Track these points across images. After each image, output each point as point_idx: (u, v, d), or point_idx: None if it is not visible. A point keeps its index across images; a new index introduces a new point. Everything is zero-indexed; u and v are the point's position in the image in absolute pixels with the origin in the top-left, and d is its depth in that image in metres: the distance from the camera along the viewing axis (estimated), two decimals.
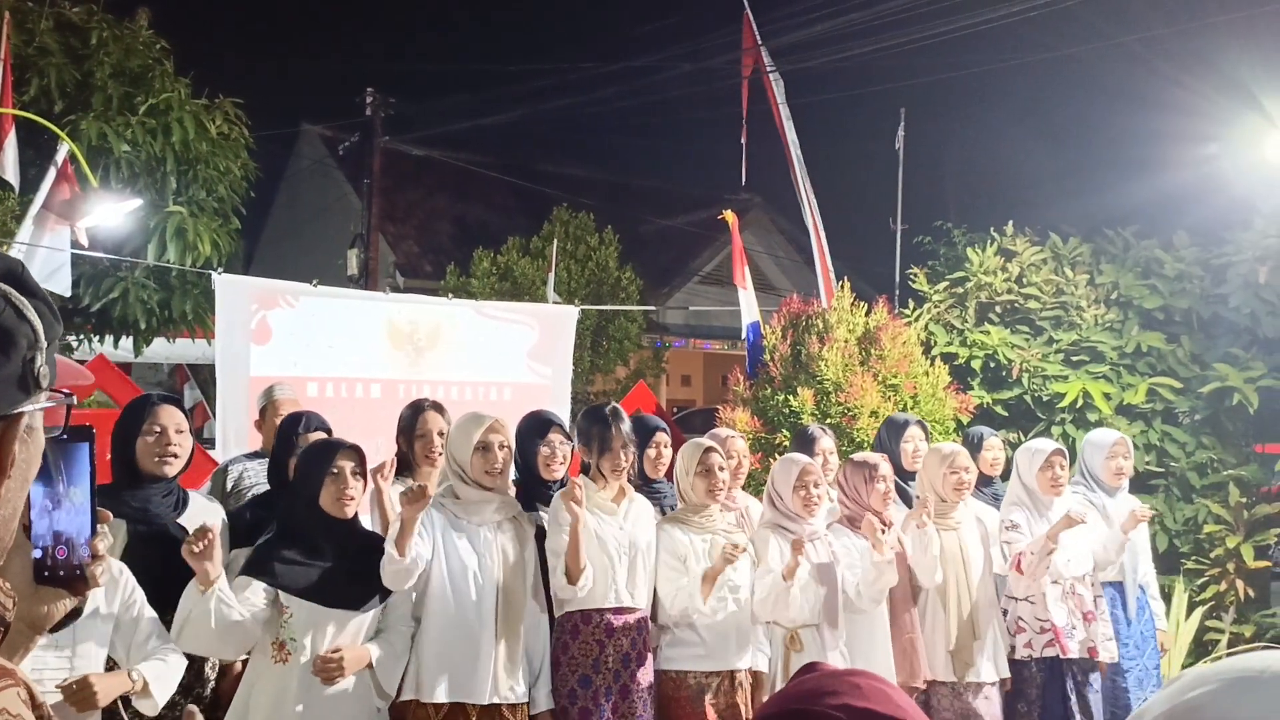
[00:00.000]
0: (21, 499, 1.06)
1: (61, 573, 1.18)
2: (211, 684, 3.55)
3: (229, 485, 4.35)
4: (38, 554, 1.18)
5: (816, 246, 7.32)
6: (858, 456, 4.58)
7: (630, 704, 3.75)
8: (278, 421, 4.25)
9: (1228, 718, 0.78)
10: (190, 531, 3.39)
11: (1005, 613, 4.63)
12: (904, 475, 4.90)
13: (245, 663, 3.57)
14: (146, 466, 3.41)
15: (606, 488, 3.89)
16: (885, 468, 4.40)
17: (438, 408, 4.13)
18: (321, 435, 3.99)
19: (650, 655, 3.88)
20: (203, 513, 3.56)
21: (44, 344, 1.00)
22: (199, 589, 3.08)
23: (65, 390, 1.07)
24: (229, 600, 3.12)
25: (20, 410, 1.00)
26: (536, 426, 4.03)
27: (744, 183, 8.77)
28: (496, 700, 3.55)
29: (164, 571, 3.23)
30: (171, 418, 3.45)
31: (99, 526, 1.20)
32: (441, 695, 3.49)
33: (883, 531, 4.30)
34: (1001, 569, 4.63)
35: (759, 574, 4.02)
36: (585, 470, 3.98)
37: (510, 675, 3.59)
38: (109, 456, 3.50)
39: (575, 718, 3.71)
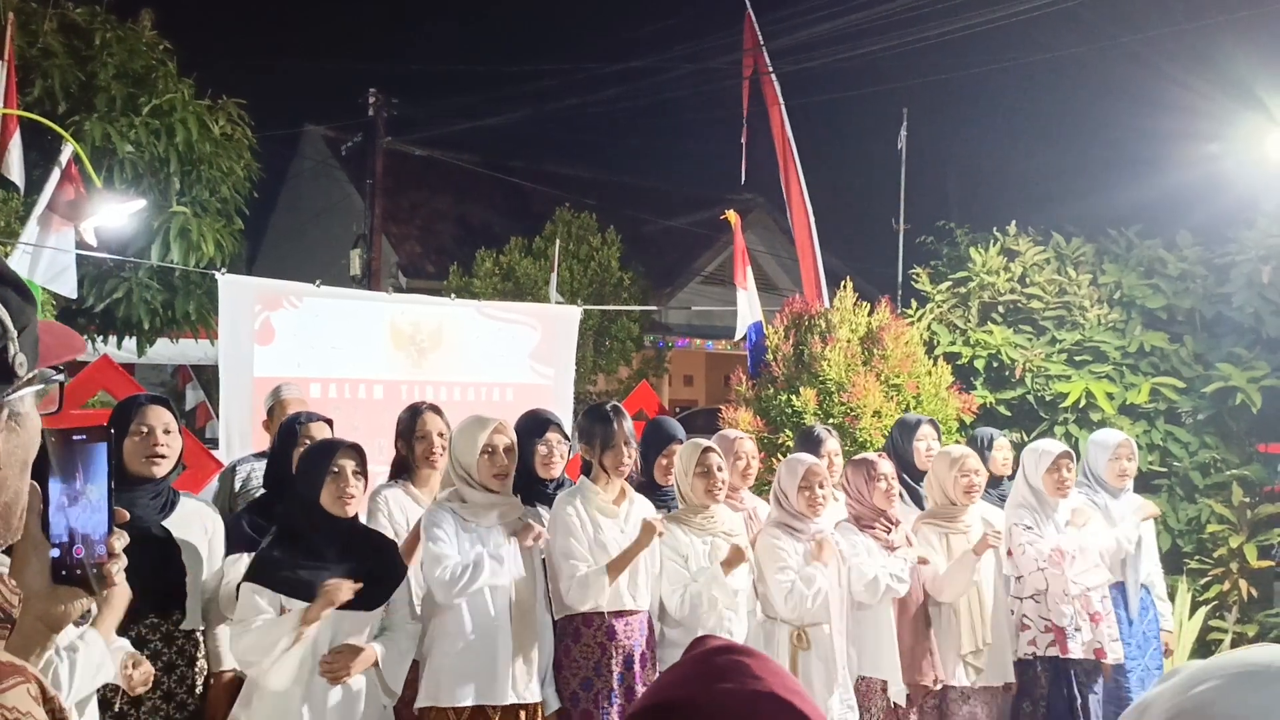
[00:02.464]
0: (20, 484, 1.05)
1: (79, 571, 1.18)
2: (199, 689, 3.54)
3: (237, 486, 4.35)
4: (55, 553, 1.18)
5: (804, 246, 7.34)
6: (858, 456, 4.59)
7: None
8: None
9: (1236, 713, 0.77)
10: (175, 533, 3.39)
11: (1011, 612, 4.64)
12: (916, 476, 4.89)
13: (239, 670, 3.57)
14: (134, 467, 3.40)
15: (608, 487, 3.89)
16: (884, 466, 4.40)
17: (436, 410, 4.13)
18: (323, 425, 4.00)
19: (655, 656, 3.88)
20: (192, 515, 3.54)
21: (14, 332, 0.99)
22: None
23: (56, 367, 1.06)
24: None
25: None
26: (534, 425, 4.03)
27: (744, 183, 8.77)
28: (515, 700, 3.57)
29: (145, 573, 3.24)
30: (159, 418, 3.44)
31: (115, 526, 1.21)
32: (464, 699, 3.50)
33: (889, 530, 4.31)
34: (1010, 570, 4.64)
35: (772, 572, 4.03)
36: (586, 471, 3.98)
37: (527, 675, 3.61)
38: None
39: None
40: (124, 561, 1.21)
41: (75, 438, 1.20)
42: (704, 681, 0.94)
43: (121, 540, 1.21)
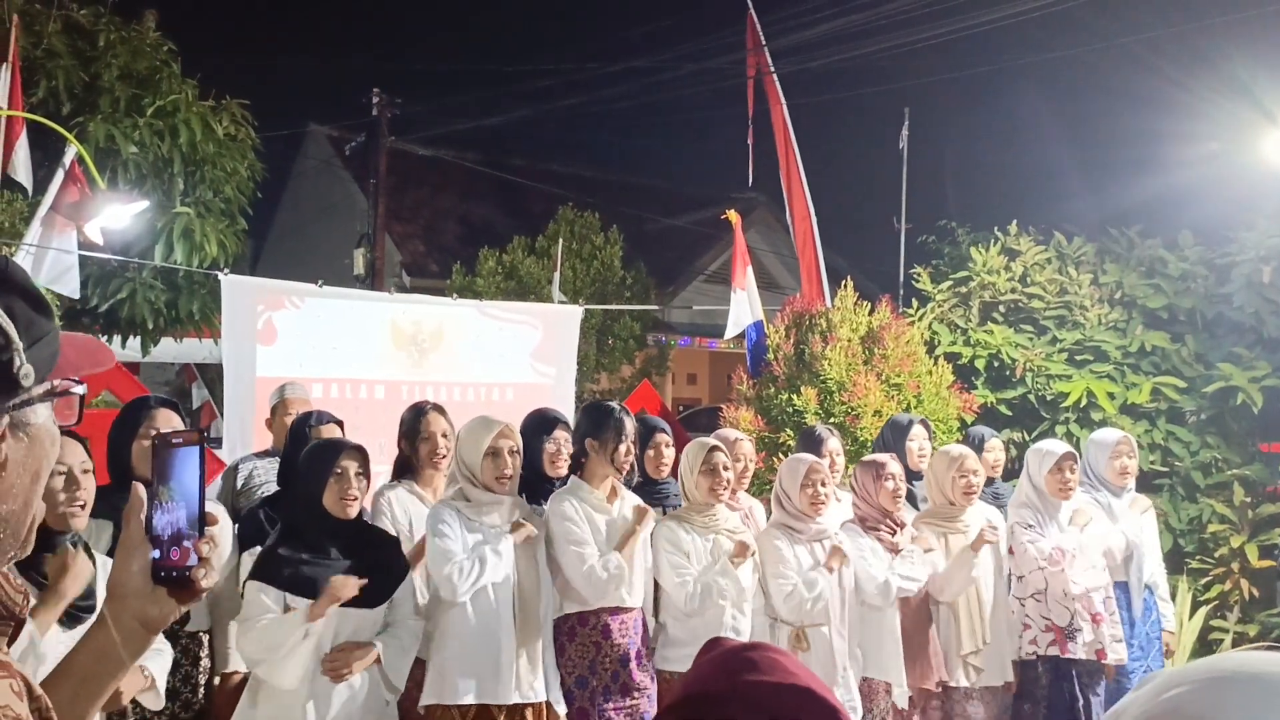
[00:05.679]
0: (29, 495, 1.03)
1: (175, 574, 1.19)
2: (202, 689, 3.55)
3: (239, 484, 4.38)
4: (156, 554, 1.19)
5: (805, 245, 7.36)
6: (867, 457, 4.60)
7: (631, 703, 3.76)
8: (288, 420, 4.27)
9: (1204, 715, 0.79)
10: None
11: (1013, 612, 4.64)
12: (909, 476, 4.90)
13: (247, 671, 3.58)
14: (141, 471, 3.41)
15: (600, 486, 3.90)
16: (894, 466, 4.42)
17: (439, 410, 4.13)
18: (334, 427, 4.01)
19: (650, 653, 3.89)
20: None
21: (19, 344, 0.97)
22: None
23: (77, 379, 1.04)
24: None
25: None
26: (542, 424, 4.05)
27: (750, 183, 8.80)
28: (520, 700, 3.57)
29: None
30: (168, 421, 3.46)
31: (208, 530, 1.21)
32: (468, 698, 3.51)
33: (894, 532, 4.33)
34: (1012, 569, 4.65)
35: (773, 574, 4.05)
36: (574, 470, 3.99)
37: (532, 674, 3.61)
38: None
39: (573, 718, 3.73)
40: (214, 567, 1.22)
41: (173, 440, 1.22)
42: (732, 675, 0.97)
43: (209, 546, 1.21)
